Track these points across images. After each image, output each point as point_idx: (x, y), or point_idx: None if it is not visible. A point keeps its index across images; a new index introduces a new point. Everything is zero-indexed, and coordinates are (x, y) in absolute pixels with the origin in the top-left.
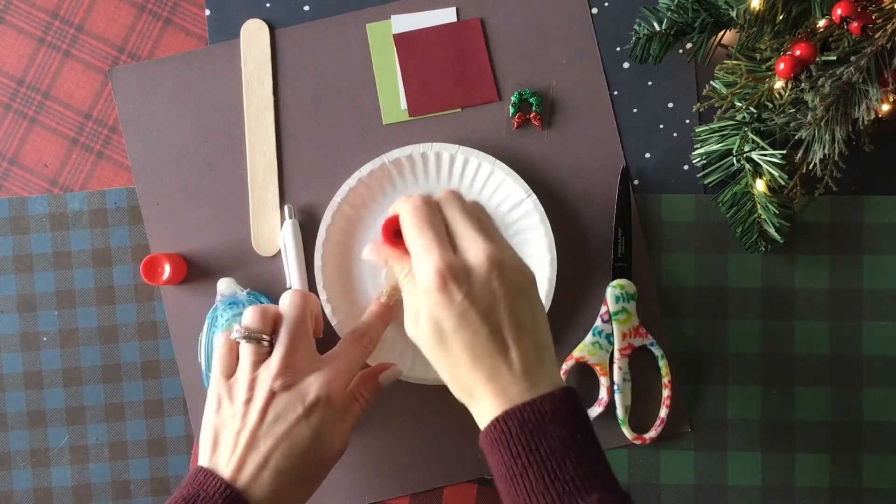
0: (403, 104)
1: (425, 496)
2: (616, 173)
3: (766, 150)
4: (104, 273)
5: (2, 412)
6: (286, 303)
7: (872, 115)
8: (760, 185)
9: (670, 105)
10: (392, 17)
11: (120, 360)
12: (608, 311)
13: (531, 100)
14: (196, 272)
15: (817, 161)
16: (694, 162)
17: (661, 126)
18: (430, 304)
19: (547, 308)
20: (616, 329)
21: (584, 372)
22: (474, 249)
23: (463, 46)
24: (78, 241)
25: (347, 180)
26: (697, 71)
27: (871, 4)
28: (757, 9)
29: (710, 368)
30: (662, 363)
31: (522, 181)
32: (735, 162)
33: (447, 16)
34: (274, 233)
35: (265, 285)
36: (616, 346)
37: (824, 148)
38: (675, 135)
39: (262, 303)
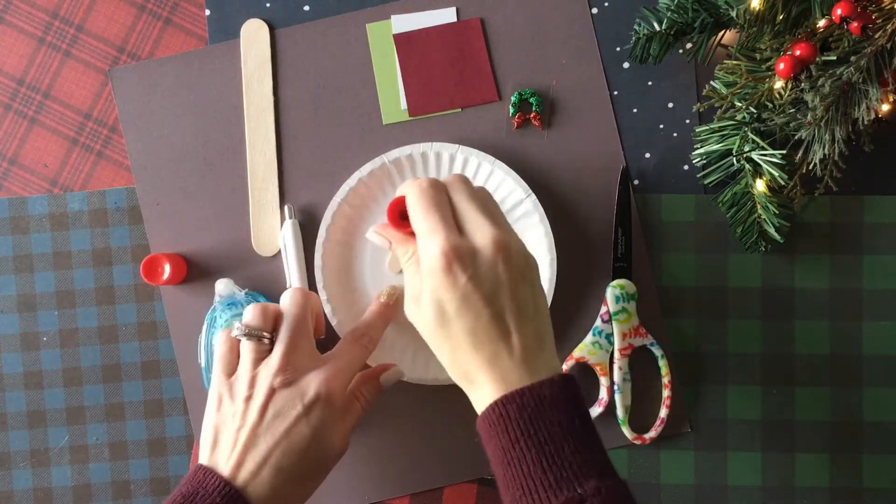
0: (403, 104)
1: (425, 496)
2: (616, 173)
3: (766, 150)
4: (104, 273)
5: (2, 412)
6: (287, 301)
7: (872, 115)
8: (760, 185)
9: (670, 105)
10: (392, 17)
11: (120, 360)
12: (608, 311)
13: (531, 100)
14: (196, 272)
15: (817, 161)
16: (694, 162)
17: (661, 126)
18: (434, 285)
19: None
20: (616, 329)
21: (585, 372)
22: (480, 233)
23: (463, 46)
24: (78, 241)
25: (347, 180)
26: (697, 71)
27: (871, 4)
28: (757, 9)
29: (710, 368)
30: (662, 363)
31: (522, 181)
32: (735, 162)
33: (447, 16)
34: (274, 233)
35: (265, 285)
36: (616, 346)
37: (824, 148)
38: (675, 135)
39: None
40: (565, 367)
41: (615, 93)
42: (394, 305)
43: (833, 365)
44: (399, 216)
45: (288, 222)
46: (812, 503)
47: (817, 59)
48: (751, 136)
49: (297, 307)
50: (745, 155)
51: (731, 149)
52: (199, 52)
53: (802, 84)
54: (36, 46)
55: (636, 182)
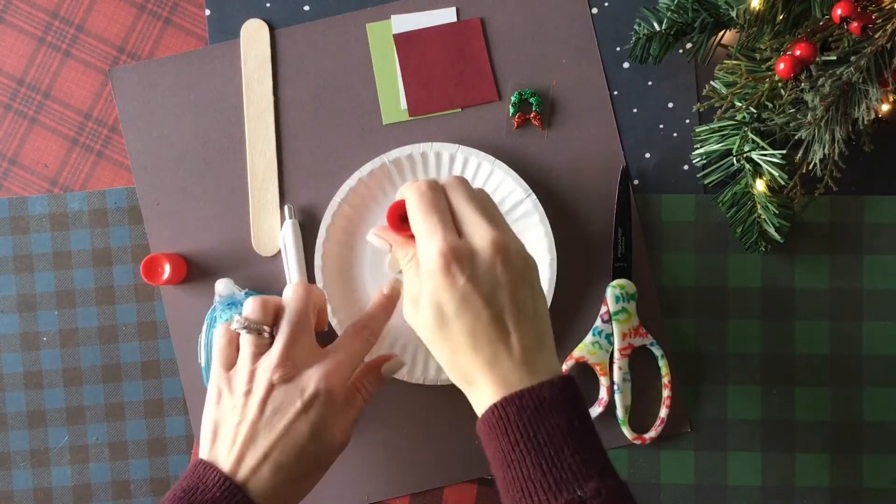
0: (403, 104)
1: (425, 496)
2: (616, 173)
3: (766, 150)
4: (104, 273)
5: (2, 412)
6: (289, 294)
7: (872, 115)
8: (760, 185)
9: (670, 105)
10: (392, 16)
11: (120, 360)
12: (608, 311)
13: (531, 100)
14: (196, 272)
15: (817, 161)
16: (694, 162)
17: (661, 126)
18: (433, 286)
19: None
20: (616, 329)
21: (584, 372)
22: (479, 234)
23: (463, 46)
24: (78, 241)
25: (347, 180)
26: (697, 71)
27: (871, 4)
28: (757, 9)
29: (710, 368)
30: (662, 363)
31: (522, 181)
32: (735, 162)
33: (447, 16)
34: (274, 233)
35: (265, 285)
36: (616, 346)
37: (824, 148)
38: (675, 135)
39: None
40: (565, 367)
41: (615, 93)
42: (396, 297)
43: (833, 365)
44: (399, 219)
45: (288, 222)
46: (812, 503)
47: (817, 59)
48: (751, 136)
49: (298, 301)
50: (745, 155)
51: (731, 149)
52: (199, 52)
53: (802, 84)
54: (36, 46)
55: (636, 182)
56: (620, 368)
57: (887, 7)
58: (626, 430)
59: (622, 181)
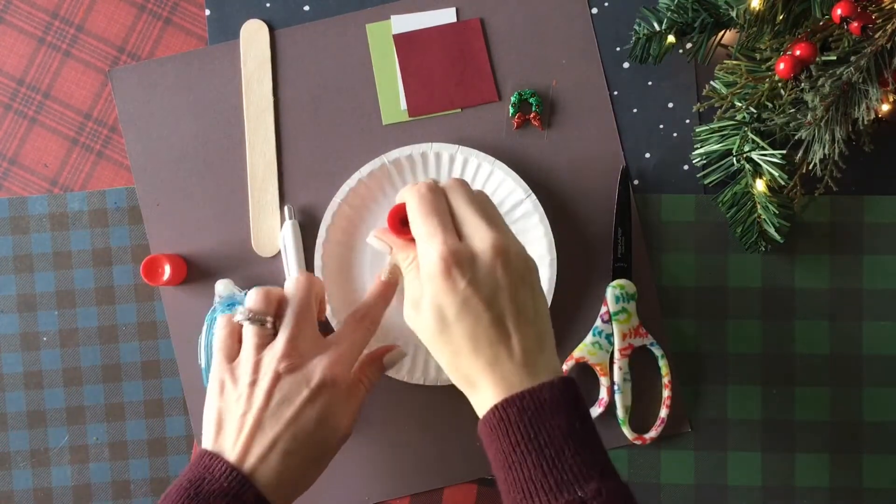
0: (403, 104)
1: (425, 497)
2: (616, 173)
3: (766, 150)
4: (104, 273)
5: (2, 412)
6: (292, 285)
7: (872, 115)
8: (760, 185)
9: (670, 105)
10: (392, 17)
11: (120, 360)
12: (608, 311)
13: (531, 100)
14: (196, 273)
15: (817, 161)
16: (694, 162)
17: (661, 126)
18: (434, 290)
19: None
20: (616, 329)
21: (585, 372)
22: (479, 237)
23: (463, 47)
24: (78, 241)
25: (347, 181)
26: (697, 71)
27: (871, 4)
28: (757, 9)
29: (710, 368)
30: (662, 363)
31: (522, 181)
32: (735, 162)
33: (447, 16)
34: (274, 233)
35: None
36: (616, 346)
37: (824, 148)
38: (675, 135)
39: None
40: (565, 367)
41: (615, 93)
42: (395, 284)
43: (833, 365)
44: (400, 222)
45: (288, 223)
46: (812, 503)
47: (817, 59)
48: (751, 136)
49: (301, 291)
50: (745, 155)
51: (731, 149)
52: (199, 53)
53: (802, 84)
54: (36, 46)
55: (636, 182)
56: (620, 369)
57: (887, 7)
58: (627, 431)
59: (622, 181)
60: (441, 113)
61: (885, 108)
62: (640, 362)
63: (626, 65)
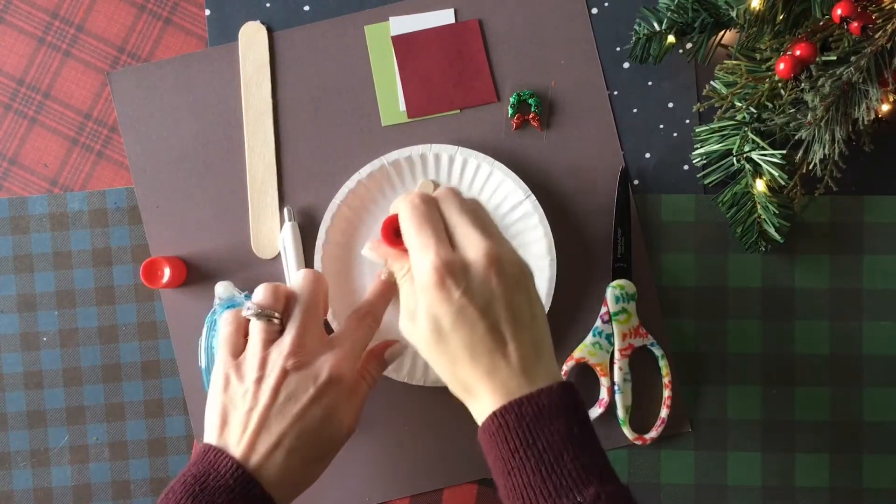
0: (402, 106)
1: (425, 497)
2: (615, 173)
3: (766, 150)
4: (104, 273)
5: (2, 412)
6: (301, 282)
7: (872, 115)
8: (760, 185)
9: (670, 105)
10: (390, 18)
11: (120, 360)
12: (608, 312)
13: (530, 101)
14: (196, 275)
15: (817, 161)
16: (694, 162)
17: (661, 126)
18: (429, 301)
19: (547, 309)
20: (616, 329)
21: (585, 372)
22: (472, 246)
23: (461, 48)
24: (78, 241)
25: (347, 182)
26: (697, 71)
27: (871, 4)
28: (757, 9)
29: (710, 368)
30: (663, 363)
31: (522, 182)
32: (735, 162)
33: (445, 17)
34: (274, 235)
35: None
36: (616, 347)
37: (824, 148)
38: (675, 135)
39: None
40: (565, 367)
41: (615, 93)
42: (395, 283)
43: (833, 365)
44: (393, 233)
45: (287, 224)
46: (812, 503)
47: (817, 59)
48: (751, 136)
49: (311, 289)
50: (745, 155)
51: (731, 149)
52: (198, 55)
53: (802, 84)
54: (36, 46)
55: (636, 182)
56: (621, 369)
57: (887, 7)
58: (627, 431)
59: (622, 181)
60: (440, 114)
61: (885, 108)
62: (640, 362)
63: (626, 65)
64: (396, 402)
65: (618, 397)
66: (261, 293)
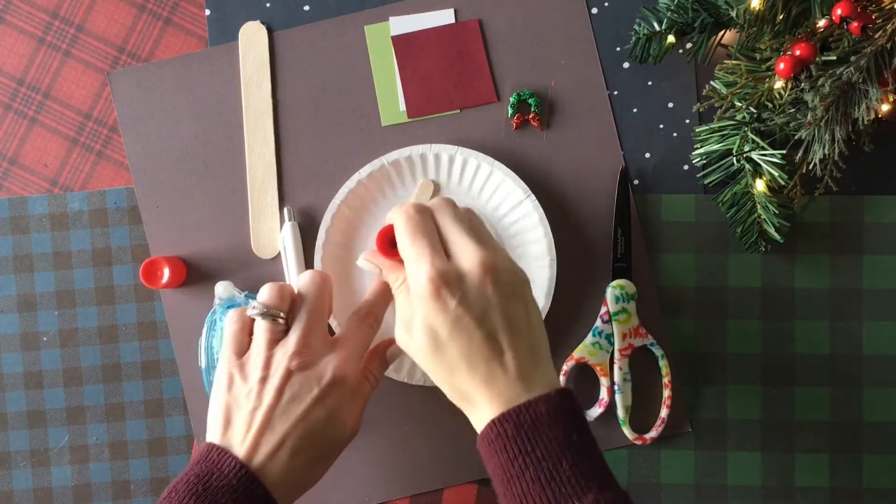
0: (402, 106)
1: (425, 497)
2: (615, 173)
3: (766, 150)
4: (104, 273)
5: (2, 412)
6: (307, 283)
7: (872, 115)
8: (760, 185)
9: (670, 105)
10: (390, 18)
11: (120, 359)
12: (608, 312)
13: (530, 100)
14: (196, 275)
15: (817, 161)
16: (694, 162)
17: (661, 126)
18: (425, 311)
19: (547, 309)
20: (616, 329)
21: (585, 372)
22: (467, 255)
23: (461, 48)
24: (78, 240)
25: (347, 182)
26: (697, 71)
27: (871, 4)
28: (757, 9)
29: (710, 368)
30: (662, 363)
31: (522, 182)
32: (735, 162)
33: (445, 17)
34: (274, 235)
35: None
36: (616, 347)
37: (824, 148)
38: (675, 135)
39: None
40: (565, 367)
41: (615, 93)
42: None
43: (833, 365)
44: (388, 244)
45: (287, 224)
46: (812, 503)
47: (817, 59)
48: (751, 136)
49: (316, 289)
50: (745, 155)
51: (731, 149)
52: (198, 55)
53: (802, 84)
54: (36, 46)
55: (636, 182)
56: (621, 369)
57: (887, 7)
58: (627, 431)
59: (622, 181)
60: (440, 114)
61: (885, 108)
62: (640, 362)
63: (625, 65)
64: (396, 402)
65: (618, 397)
66: (266, 293)
